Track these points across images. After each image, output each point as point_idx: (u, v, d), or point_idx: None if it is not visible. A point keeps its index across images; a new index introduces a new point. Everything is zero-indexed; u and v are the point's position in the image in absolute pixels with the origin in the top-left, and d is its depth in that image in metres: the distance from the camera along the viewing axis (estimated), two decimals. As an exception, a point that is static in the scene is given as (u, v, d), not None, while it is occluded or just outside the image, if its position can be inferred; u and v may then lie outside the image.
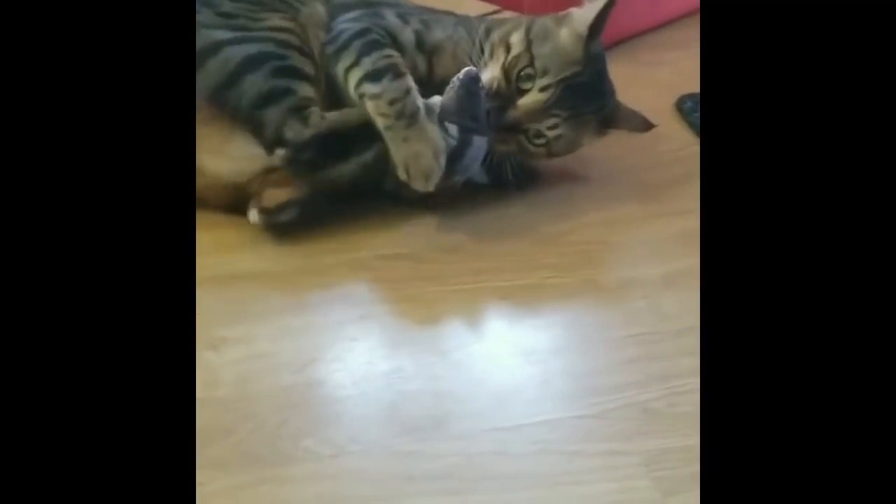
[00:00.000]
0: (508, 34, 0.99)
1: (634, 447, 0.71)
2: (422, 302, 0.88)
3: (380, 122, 0.92)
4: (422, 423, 0.73)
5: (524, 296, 0.89)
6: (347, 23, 1.00)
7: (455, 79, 0.92)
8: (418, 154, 0.90)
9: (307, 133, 0.92)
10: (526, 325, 0.86)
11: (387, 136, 0.91)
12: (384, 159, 0.93)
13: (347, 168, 0.94)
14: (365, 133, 0.94)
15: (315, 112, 0.94)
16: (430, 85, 0.97)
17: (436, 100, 0.94)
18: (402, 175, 0.91)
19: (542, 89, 0.95)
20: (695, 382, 0.76)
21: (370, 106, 0.93)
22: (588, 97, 0.97)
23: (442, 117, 0.92)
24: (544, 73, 0.95)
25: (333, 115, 0.95)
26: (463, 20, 1.06)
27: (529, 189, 1.03)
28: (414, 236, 0.97)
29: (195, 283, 0.53)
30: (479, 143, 0.94)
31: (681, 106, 1.20)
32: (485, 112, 0.93)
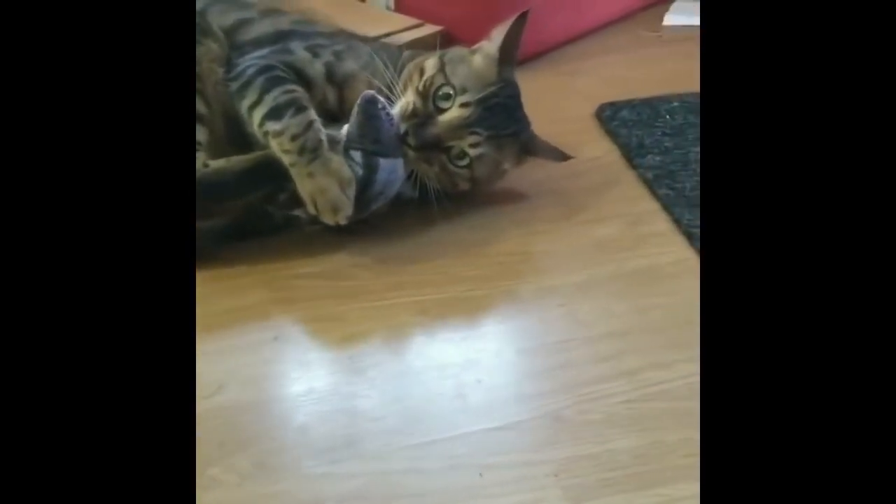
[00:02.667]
0: (423, 61, 1.00)
1: (545, 457, 0.70)
2: (339, 320, 0.87)
3: (285, 159, 0.90)
4: (334, 443, 0.72)
5: (442, 309, 0.88)
6: (254, 59, 0.99)
7: (356, 105, 0.91)
8: (324, 188, 0.89)
9: None
10: (442, 338, 0.85)
11: (292, 172, 0.90)
12: (269, 200, 0.93)
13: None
14: (253, 178, 0.92)
15: (198, 158, 0.92)
16: (341, 115, 0.96)
17: (344, 130, 0.92)
18: (311, 210, 0.90)
19: (463, 105, 0.95)
20: (604, 388, 0.77)
21: (274, 144, 0.91)
22: (506, 118, 0.98)
23: (346, 145, 0.91)
24: (463, 91, 0.95)
25: (218, 163, 0.92)
26: (385, 50, 1.06)
27: (450, 204, 1.03)
28: (332, 255, 0.96)
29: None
30: (390, 167, 0.92)
31: (600, 114, 1.21)
32: (392, 135, 0.92)
